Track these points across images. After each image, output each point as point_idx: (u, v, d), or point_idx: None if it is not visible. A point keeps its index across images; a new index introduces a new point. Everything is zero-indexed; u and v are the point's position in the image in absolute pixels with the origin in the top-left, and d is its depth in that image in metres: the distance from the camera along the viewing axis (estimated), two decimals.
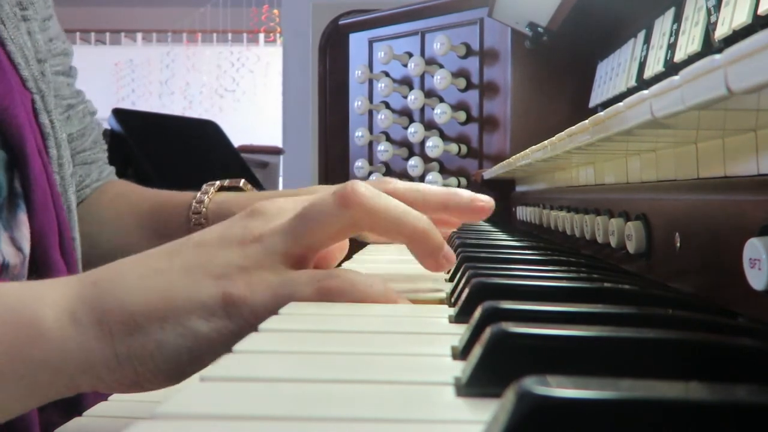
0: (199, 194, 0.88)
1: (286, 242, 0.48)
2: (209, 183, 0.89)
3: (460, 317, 0.44)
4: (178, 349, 0.45)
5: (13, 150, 0.74)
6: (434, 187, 0.57)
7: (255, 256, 0.47)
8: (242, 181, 0.91)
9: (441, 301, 0.54)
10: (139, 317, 0.45)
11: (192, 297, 0.46)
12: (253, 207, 0.51)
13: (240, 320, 0.46)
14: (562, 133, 0.72)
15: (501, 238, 1.10)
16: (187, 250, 0.48)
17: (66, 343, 0.45)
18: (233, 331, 0.46)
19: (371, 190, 0.49)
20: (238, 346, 0.36)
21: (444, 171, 1.89)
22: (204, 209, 0.86)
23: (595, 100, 1.42)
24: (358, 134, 2.11)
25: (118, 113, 2.71)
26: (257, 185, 3.03)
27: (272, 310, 0.45)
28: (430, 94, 1.92)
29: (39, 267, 0.75)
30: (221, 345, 0.45)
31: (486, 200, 0.58)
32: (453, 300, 0.51)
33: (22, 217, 0.75)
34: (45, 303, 0.45)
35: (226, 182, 0.90)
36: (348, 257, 0.78)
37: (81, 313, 0.45)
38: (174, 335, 0.45)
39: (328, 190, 0.50)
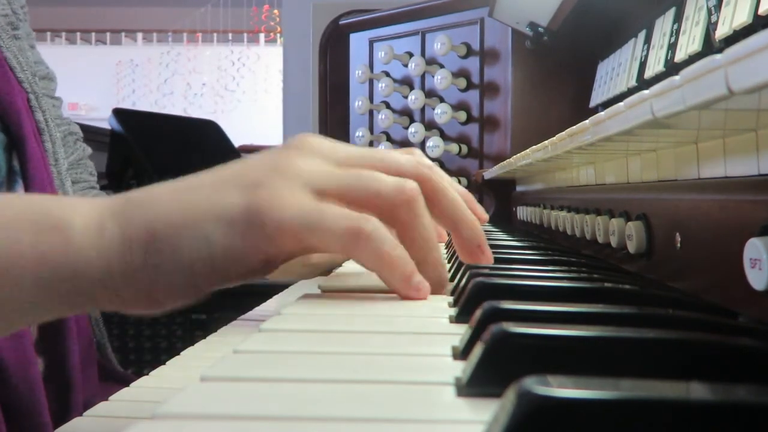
0: None
1: (327, 181, 0.47)
2: None
3: (460, 317, 0.44)
4: (192, 258, 0.44)
5: (11, 133, 0.78)
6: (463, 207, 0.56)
7: (290, 179, 0.46)
8: None
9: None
10: (158, 224, 0.45)
11: (213, 204, 0.45)
12: (294, 140, 0.50)
13: (261, 234, 0.44)
14: (563, 133, 0.72)
15: (501, 238, 1.10)
16: (224, 169, 0.48)
17: (89, 251, 0.45)
18: (250, 246, 0.44)
19: (425, 213, 0.50)
20: (238, 346, 0.36)
21: (444, 171, 1.89)
22: None
23: (595, 100, 1.42)
24: (359, 134, 2.11)
25: (119, 113, 2.71)
26: None
27: (297, 231, 0.44)
28: (430, 94, 1.92)
29: None
30: (237, 261, 0.45)
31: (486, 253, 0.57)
32: (454, 300, 0.51)
33: (19, 191, 0.78)
34: (76, 212, 0.46)
35: None
36: None
37: (108, 223, 0.45)
38: (189, 243, 0.44)
39: (377, 156, 0.51)
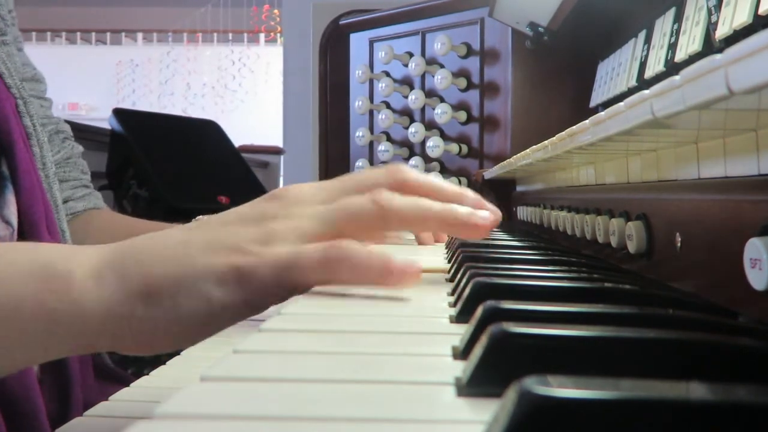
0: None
1: (314, 225, 0.52)
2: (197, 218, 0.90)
3: (460, 317, 0.44)
4: (189, 313, 0.48)
5: (0, 139, 0.79)
6: (445, 183, 0.59)
7: (272, 235, 0.51)
8: None
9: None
10: (157, 281, 0.48)
11: (206, 266, 0.49)
12: (274, 191, 0.55)
13: (249, 290, 0.49)
14: (563, 133, 0.72)
15: (502, 238, 1.10)
16: (209, 226, 0.52)
17: (88, 300, 0.48)
18: (244, 299, 0.49)
19: (403, 201, 0.53)
20: (238, 346, 0.36)
21: (445, 171, 1.89)
22: None
23: (595, 100, 1.42)
24: (359, 134, 2.11)
25: (119, 113, 2.71)
26: (258, 185, 3.03)
27: (279, 280, 0.49)
28: (430, 93, 1.92)
29: (27, 240, 0.78)
30: (231, 313, 0.49)
31: (491, 208, 0.59)
32: (454, 300, 0.51)
33: (10, 197, 0.79)
34: (75, 262, 0.50)
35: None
36: None
37: (106, 274, 0.49)
38: (187, 300, 0.48)
39: (345, 184, 0.55)
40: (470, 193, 0.59)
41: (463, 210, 0.54)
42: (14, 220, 0.79)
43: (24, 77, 0.95)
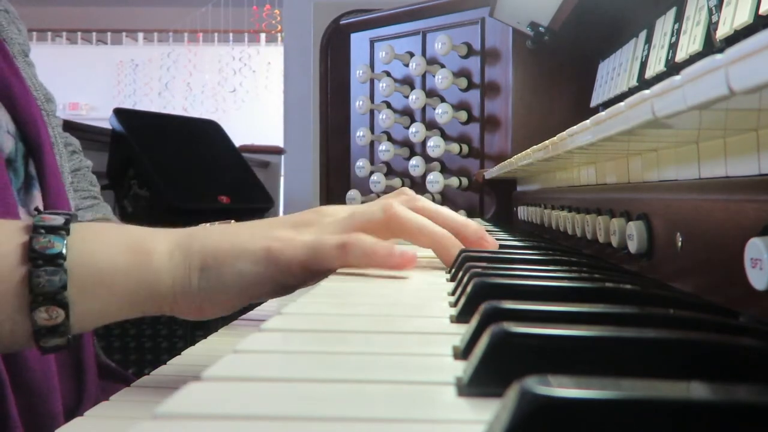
0: None
1: (334, 228, 0.66)
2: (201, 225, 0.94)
3: (461, 317, 0.44)
4: (230, 283, 0.62)
5: (29, 142, 0.89)
6: (452, 213, 0.74)
7: (302, 233, 0.65)
8: (232, 221, 0.95)
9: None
10: (209, 259, 0.62)
11: (245, 249, 0.63)
12: (314, 208, 0.70)
13: (276, 268, 0.62)
14: (564, 132, 0.72)
15: (502, 237, 1.10)
16: (260, 224, 0.67)
17: (161, 271, 0.62)
18: (271, 276, 0.62)
19: (407, 212, 0.68)
20: (239, 346, 0.36)
21: (445, 171, 1.89)
22: None
23: (596, 99, 1.42)
24: (360, 134, 2.11)
25: (120, 113, 2.71)
26: (258, 185, 3.03)
27: (302, 260, 0.62)
28: (431, 93, 1.92)
29: None
30: (260, 287, 0.63)
31: (490, 241, 0.74)
32: (455, 300, 0.51)
33: (36, 194, 0.88)
34: (156, 241, 0.63)
35: (216, 224, 0.93)
36: None
37: (176, 252, 0.62)
38: (228, 273, 0.62)
39: (364, 206, 0.69)
40: (473, 225, 0.73)
41: (449, 239, 0.69)
42: None
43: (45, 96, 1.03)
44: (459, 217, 0.73)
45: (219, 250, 0.62)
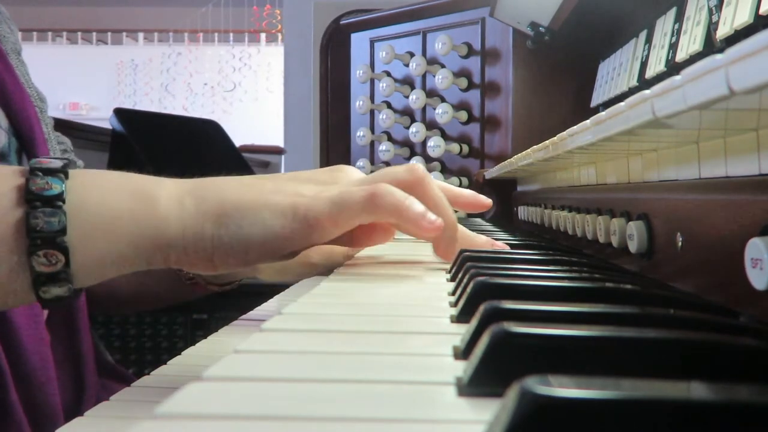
0: None
1: (361, 184, 0.63)
2: None
3: (461, 317, 0.44)
4: (249, 237, 0.58)
5: (23, 138, 0.87)
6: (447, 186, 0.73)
7: (325, 190, 0.61)
8: None
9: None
10: (228, 207, 0.58)
11: (270, 202, 0.59)
12: (334, 166, 0.68)
13: (302, 222, 0.59)
14: (564, 132, 0.72)
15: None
16: (279, 179, 0.64)
17: (169, 218, 0.58)
18: (295, 230, 0.59)
19: (433, 180, 0.66)
20: (239, 346, 0.36)
21: (445, 171, 1.89)
22: None
23: (596, 99, 1.42)
24: (360, 134, 2.11)
25: (120, 113, 2.71)
26: None
27: (329, 214, 0.59)
28: (431, 93, 1.92)
29: None
30: (285, 239, 0.59)
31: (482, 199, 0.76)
32: (455, 300, 0.51)
33: None
34: (162, 186, 0.60)
35: None
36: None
37: (186, 198, 0.59)
38: (249, 226, 0.58)
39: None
40: (467, 192, 0.75)
41: (417, 209, 0.62)
42: None
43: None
44: (456, 190, 0.75)
45: (240, 199, 0.59)
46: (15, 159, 0.86)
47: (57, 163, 0.58)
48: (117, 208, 0.58)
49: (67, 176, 0.57)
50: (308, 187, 0.62)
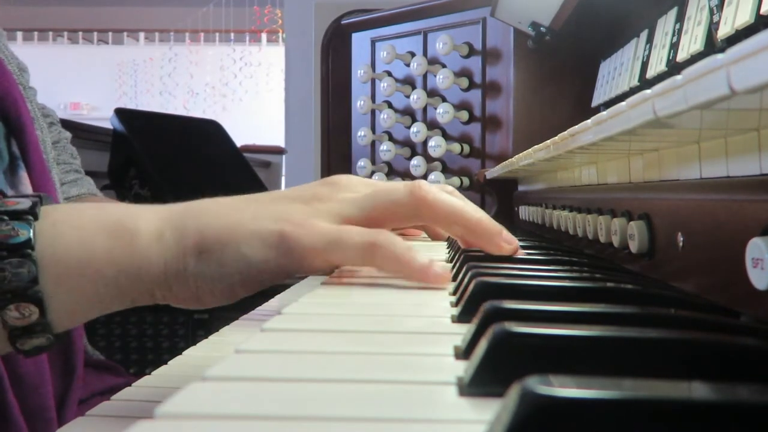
0: None
1: (351, 209, 0.58)
2: None
3: (462, 317, 0.44)
4: (232, 270, 0.54)
5: (10, 121, 0.85)
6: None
7: (317, 212, 0.56)
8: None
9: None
10: (208, 240, 0.54)
11: (253, 231, 0.54)
12: (326, 179, 0.62)
13: (289, 256, 0.54)
14: (565, 132, 0.72)
15: None
16: (263, 200, 0.58)
17: (150, 254, 0.54)
18: (281, 264, 0.54)
19: (435, 189, 0.59)
20: (240, 346, 0.36)
21: (446, 170, 1.89)
22: None
23: (597, 99, 1.42)
24: (361, 134, 2.11)
25: (121, 113, 2.71)
26: (260, 185, 3.03)
27: (321, 251, 0.54)
28: (432, 93, 1.92)
29: None
30: (269, 274, 0.54)
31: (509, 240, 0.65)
32: (456, 300, 0.51)
33: (23, 174, 0.84)
34: (140, 218, 0.55)
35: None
36: None
37: (166, 232, 0.54)
38: (231, 258, 0.54)
39: (385, 185, 0.61)
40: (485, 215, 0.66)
41: (493, 226, 0.60)
42: None
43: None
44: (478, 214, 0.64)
45: (220, 229, 0.54)
46: (4, 145, 0.84)
47: (25, 204, 0.53)
48: (93, 248, 0.53)
49: (36, 217, 0.53)
50: (297, 208, 0.56)
